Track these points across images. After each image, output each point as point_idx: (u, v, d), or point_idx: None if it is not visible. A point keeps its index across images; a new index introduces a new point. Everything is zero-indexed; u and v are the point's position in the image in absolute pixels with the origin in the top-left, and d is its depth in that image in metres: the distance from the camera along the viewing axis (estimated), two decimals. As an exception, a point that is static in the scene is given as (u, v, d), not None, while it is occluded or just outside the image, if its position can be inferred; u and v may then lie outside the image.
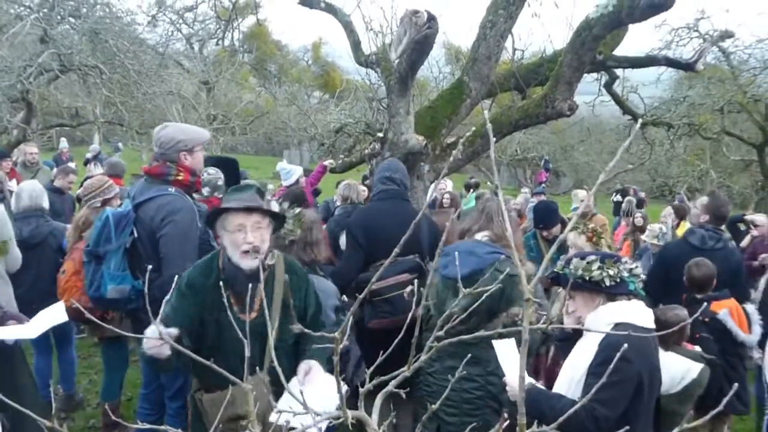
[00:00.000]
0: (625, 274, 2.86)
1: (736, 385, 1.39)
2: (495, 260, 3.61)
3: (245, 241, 2.93)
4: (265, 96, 24.37)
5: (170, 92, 14.87)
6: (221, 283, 2.81)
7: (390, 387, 1.40)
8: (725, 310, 4.47)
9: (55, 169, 9.80)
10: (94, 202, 5.04)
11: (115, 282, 3.82)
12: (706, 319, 4.44)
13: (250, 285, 2.59)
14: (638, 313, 2.83)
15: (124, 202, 4.06)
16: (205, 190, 4.52)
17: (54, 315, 3.42)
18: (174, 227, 3.72)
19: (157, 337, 2.86)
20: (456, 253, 3.64)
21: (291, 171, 8.51)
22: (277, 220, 3.17)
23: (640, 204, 16.03)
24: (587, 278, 2.85)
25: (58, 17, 11.63)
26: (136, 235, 3.84)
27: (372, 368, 1.44)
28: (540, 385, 2.98)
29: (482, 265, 3.60)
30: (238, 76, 25.28)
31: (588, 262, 2.87)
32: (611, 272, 2.82)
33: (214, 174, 4.53)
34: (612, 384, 2.57)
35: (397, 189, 4.64)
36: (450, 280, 3.67)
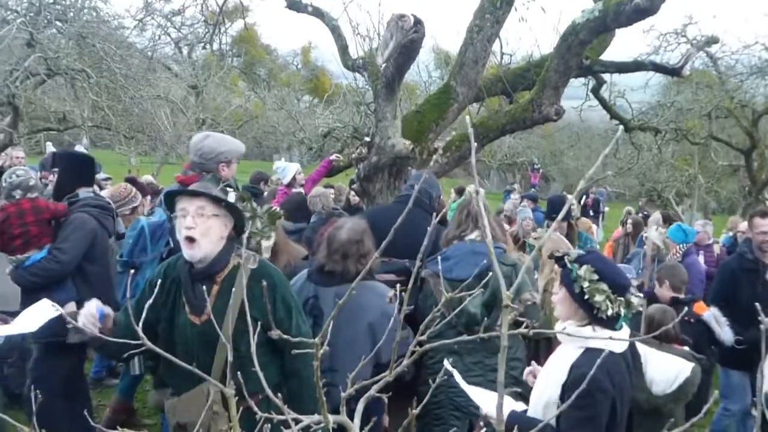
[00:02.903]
0: (623, 311, 2.55)
1: (716, 393, 1.39)
2: (499, 255, 3.69)
3: (184, 226, 2.76)
4: (254, 100, 24.30)
5: (158, 96, 14.81)
6: (177, 280, 2.74)
7: (372, 392, 1.38)
8: (709, 312, 4.53)
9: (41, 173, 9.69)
10: (124, 210, 5.16)
11: None
12: (691, 320, 4.50)
13: (194, 285, 2.50)
14: (613, 343, 2.55)
15: (156, 211, 4.05)
16: (17, 193, 4.38)
17: (43, 311, 3.40)
18: None
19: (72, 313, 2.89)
20: (457, 255, 3.79)
21: (286, 168, 7.92)
22: (231, 212, 2.90)
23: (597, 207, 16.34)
24: (585, 297, 2.53)
25: (45, 21, 11.56)
26: (172, 245, 3.84)
27: (354, 373, 1.43)
28: (518, 406, 2.82)
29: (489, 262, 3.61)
30: (227, 80, 25.17)
31: (595, 282, 2.53)
32: (611, 311, 2.52)
33: (24, 175, 4.39)
34: (590, 418, 2.48)
35: (415, 195, 4.59)
36: (459, 282, 3.62)
